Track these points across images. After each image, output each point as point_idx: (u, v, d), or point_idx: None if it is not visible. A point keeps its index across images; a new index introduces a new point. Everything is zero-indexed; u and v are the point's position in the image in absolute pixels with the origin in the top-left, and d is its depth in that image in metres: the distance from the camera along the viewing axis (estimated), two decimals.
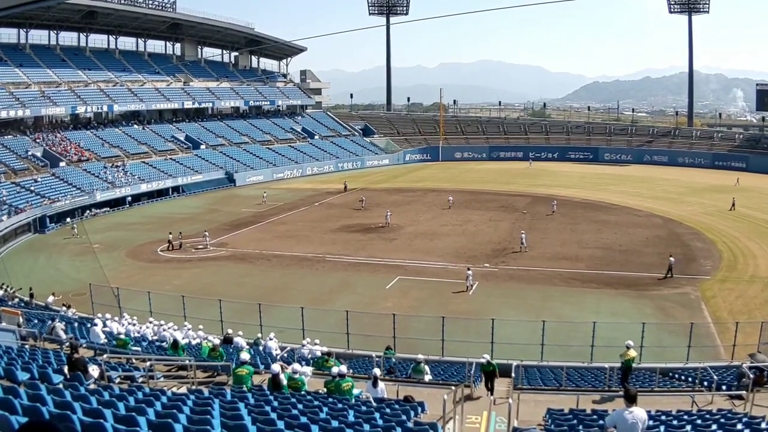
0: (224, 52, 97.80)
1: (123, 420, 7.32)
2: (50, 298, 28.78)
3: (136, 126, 77.23)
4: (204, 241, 41.97)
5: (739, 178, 66.38)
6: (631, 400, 8.55)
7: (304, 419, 8.87)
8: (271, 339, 21.25)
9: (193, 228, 45.74)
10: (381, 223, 47.45)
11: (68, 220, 51.51)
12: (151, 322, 23.58)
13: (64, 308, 26.23)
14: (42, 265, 39.57)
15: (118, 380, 13.26)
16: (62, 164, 60.74)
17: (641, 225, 46.09)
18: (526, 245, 38.67)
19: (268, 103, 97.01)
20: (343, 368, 13.60)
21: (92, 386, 10.80)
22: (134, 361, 16.26)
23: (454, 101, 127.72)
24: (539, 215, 50.54)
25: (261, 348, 20.93)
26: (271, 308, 26.42)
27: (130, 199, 60.82)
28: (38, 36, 74.98)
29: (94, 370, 12.53)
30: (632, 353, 16.81)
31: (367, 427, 8.91)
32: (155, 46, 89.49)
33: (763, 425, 9.81)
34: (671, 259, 33.25)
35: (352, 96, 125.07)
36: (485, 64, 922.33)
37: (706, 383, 16.42)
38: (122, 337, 19.16)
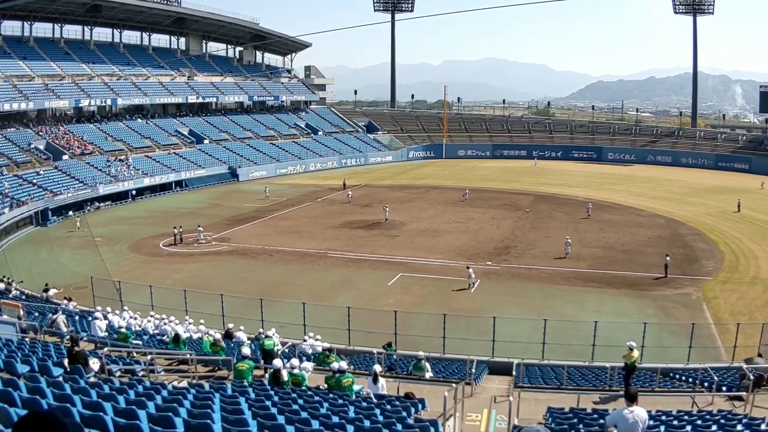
0: (229, 47, 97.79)
1: (123, 413, 7.32)
2: (51, 291, 28.80)
3: (139, 120, 77.30)
4: (197, 235, 42.17)
5: (764, 182, 63.75)
6: (631, 399, 8.53)
7: (304, 414, 8.86)
8: (272, 335, 21.24)
9: (195, 223, 45.71)
10: (382, 219, 47.55)
11: (71, 213, 51.61)
12: (152, 316, 23.60)
13: (65, 301, 26.25)
14: (44, 258, 39.63)
15: (118, 374, 13.27)
16: (65, 157, 60.82)
17: (644, 225, 46.02)
18: (570, 251, 37.11)
19: (272, 98, 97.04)
20: (344, 364, 13.60)
21: (92, 379, 10.80)
22: (135, 354, 16.27)
23: (458, 99, 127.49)
24: (542, 213, 50.50)
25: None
26: (272, 303, 26.42)
27: (133, 193, 60.93)
28: (42, 29, 75.21)
29: (94, 363, 12.53)
30: (635, 354, 16.74)
31: (367, 423, 8.89)
32: (160, 40, 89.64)
33: (763, 426, 9.79)
34: (667, 258, 33.36)
35: (356, 92, 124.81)
36: (490, 62, 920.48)
37: (706, 384, 16.39)
38: (123, 330, 19.17)
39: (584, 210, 49.99)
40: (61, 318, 19.63)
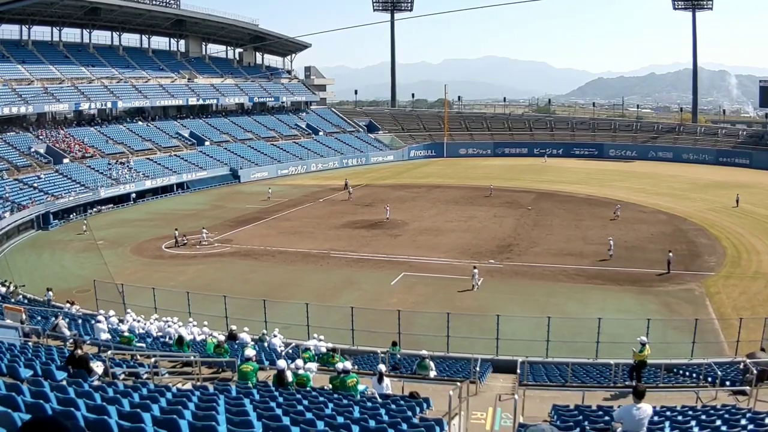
0: (228, 48, 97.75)
1: (127, 416, 7.30)
2: (50, 294, 28.76)
3: (140, 122, 77.29)
4: (201, 237, 42.23)
5: None
6: (639, 396, 8.53)
7: (309, 415, 8.85)
8: (275, 336, 21.25)
9: (197, 225, 45.75)
10: (383, 219, 47.55)
11: (72, 216, 51.63)
12: (156, 318, 23.59)
13: (68, 305, 26.23)
14: (46, 262, 39.63)
15: (122, 376, 13.26)
16: (66, 161, 60.82)
17: (646, 221, 45.95)
18: (613, 252, 35.95)
19: (273, 99, 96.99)
20: (348, 364, 13.59)
21: (96, 383, 10.79)
22: (139, 357, 16.26)
23: (459, 97, 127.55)
24: (544, 211, 50.43)
25: (266, 344, 20.93)
26: (275, 304, 26.39)
27: (134, 195, 60.92)
28: (41, 32, 74.86)
29: (98, 367, 12.51)
30: (647, 349, 16.56)
31: (372, 423, 8.88)
32: (159, 42, 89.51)
33: (767, 420, 9.77)
34: (670, 254, 33.32)
35: (356, 92, 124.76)
36: (490, 60, 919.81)
37: (710, 379, 16.38)
38: (126, 333, 19.16)
39: (612, 211, 47.78)
40: (62, 321, 19.62)
